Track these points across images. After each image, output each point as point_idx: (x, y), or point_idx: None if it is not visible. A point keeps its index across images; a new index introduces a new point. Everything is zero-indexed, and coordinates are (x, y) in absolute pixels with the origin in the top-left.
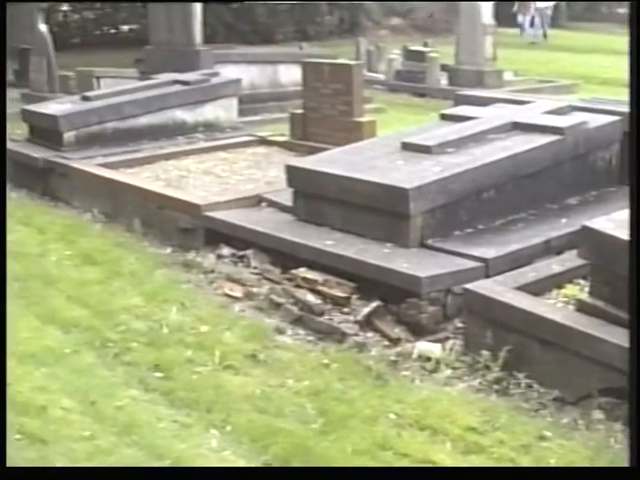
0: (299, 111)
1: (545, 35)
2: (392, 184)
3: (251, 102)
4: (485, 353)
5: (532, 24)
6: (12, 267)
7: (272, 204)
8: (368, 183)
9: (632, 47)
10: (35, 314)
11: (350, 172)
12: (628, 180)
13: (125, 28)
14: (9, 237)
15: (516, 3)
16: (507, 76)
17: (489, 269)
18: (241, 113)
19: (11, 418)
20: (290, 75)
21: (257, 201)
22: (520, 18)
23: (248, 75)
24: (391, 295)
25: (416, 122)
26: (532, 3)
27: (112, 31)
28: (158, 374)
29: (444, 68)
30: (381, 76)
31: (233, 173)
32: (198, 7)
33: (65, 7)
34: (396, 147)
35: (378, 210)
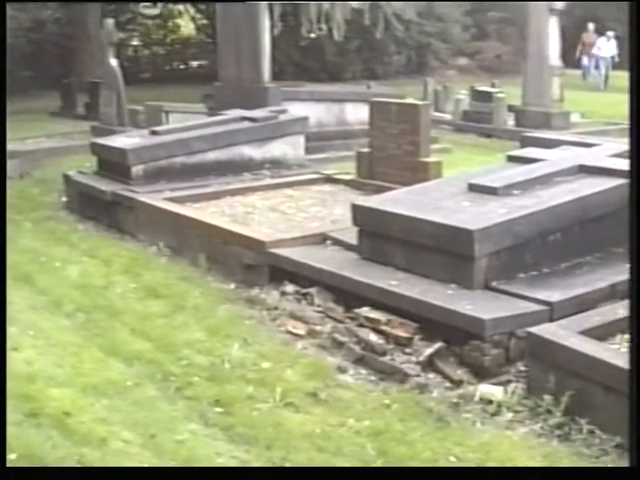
0: (365, 150)
1: (606, 81)
2: (457, 225)
3: (318, 140)
4: (547, 397)
5: (597, 66)
6: (77, 298)
7: (337, 242)
8: (433, 224)
9: (632, 47)
10: (98, 346)
11: (415, 212)
12: None
13: (194, 64)
14: (75, 268)
15: (578, 46)
16: (574, 118)
17: (553, 313)
18: (308, 151)
19: (72, 448)
20: (357, 114)
21: (322, 239)
22: (585, 61)
23: (315, 113)
24: (454, 336)
25: (482, 163)
26: (595, 46)
27: (181, 67)
28: (219, 409)
29: (511, 109)
30: (448, 116)
31: (299, 210)
32: (267, 45)
33: (136, 42)
34: (462, 188)
35: (443, 251)
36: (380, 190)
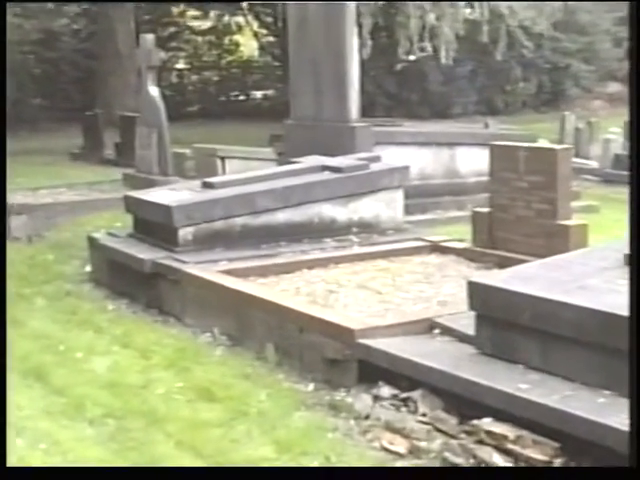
0: (484, 210)
1: None
2: (609, 311)
3: (420, 196)
4: None
5: None
6: (105, 400)
7: (447, 331)
8: (577, 308)
9: (632, 47)
10: (133, 463)
11: (553, 293)
12: None
13: (257, 94)
14: (103, 361)
15: None
16: None
17: None
18: (407, 210)
19: None
20: (471, 161)
21: (428, 327)
22: None
23: (417, 161)
24: (607, 459)
25: None
26: None
27: (241, 97)
28: None
29: None
30: (593, 163)
31: (396, 289)
32: (355, 71)
33: (181, 65)
34: (616, 260)
35: (591, 345)
36: (503, 262)
